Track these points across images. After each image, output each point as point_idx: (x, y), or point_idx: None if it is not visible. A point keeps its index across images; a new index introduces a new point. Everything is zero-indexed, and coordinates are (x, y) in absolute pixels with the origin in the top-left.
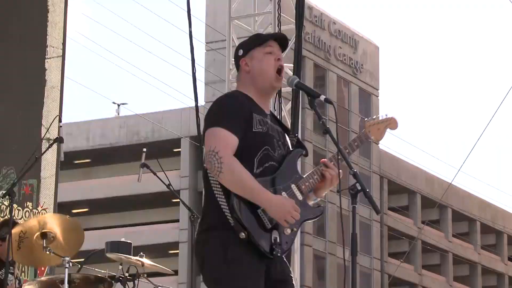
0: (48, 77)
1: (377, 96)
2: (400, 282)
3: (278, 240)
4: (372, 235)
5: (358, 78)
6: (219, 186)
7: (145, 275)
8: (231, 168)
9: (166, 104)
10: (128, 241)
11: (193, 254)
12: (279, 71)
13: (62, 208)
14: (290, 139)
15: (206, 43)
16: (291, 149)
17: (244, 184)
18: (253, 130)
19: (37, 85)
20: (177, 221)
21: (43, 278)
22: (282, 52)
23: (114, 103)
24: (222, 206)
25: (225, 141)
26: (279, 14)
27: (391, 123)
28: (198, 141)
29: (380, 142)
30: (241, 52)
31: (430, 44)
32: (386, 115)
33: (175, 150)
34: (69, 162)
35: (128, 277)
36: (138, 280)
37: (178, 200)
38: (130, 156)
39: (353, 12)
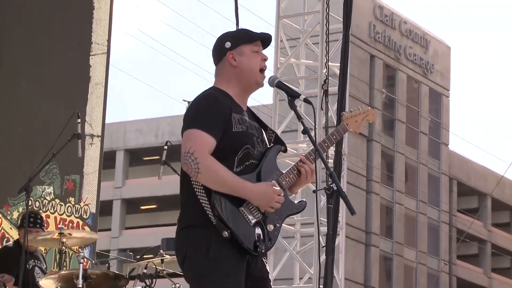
0: (92, 74)
1: (448, 97)
2: (469, 285)
3: (261, 236)
4: (440, 237)
5: (428, 79)
6: (199, 184)
7: (164, 272)
8: (208, 167)
9: None
10: None
11: (175, 250)
12: (262, 70)
13: (130, 204)
14: (268, 135)
15: None
16: (268, 145)
17: (224, 180)
18: (233, 130)
19: (82, 81)
20: None
21: (63, 272)
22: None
23: (184, 100)
24: (203, 204)
25: (201, 141)
26: (328, 14)
27: (369, 115)
28: None
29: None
30: (228, 44)
31: (502, 45)
32: (364, 107)
33: None
34: (138, 159)
35: (147, 275)
36: (156, 278)
37: None
38: None
39: (424, 11)
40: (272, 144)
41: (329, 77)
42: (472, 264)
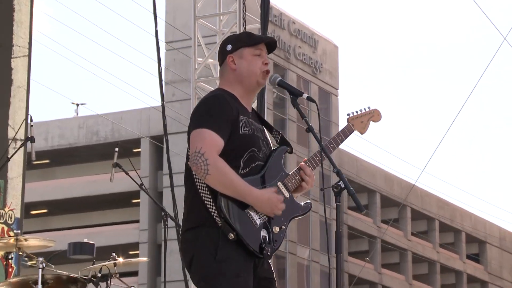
0: (14, 77)
1: (337, 96)
2: (360, 281)
3: (267, 239)
4: (331, 234)
5: (317, 78)
6: (204, 186)
7: (117, 275)
8: (218, 170)
9: (125, 104)
10: (91, 242)
11: (180, 252)
12: (266, 72)
13: None
14: (273, 136)
15: (166, 42)
16: (273, 146)
17: (231, 184)
18: (240, 132)
19: (4, 84)
20: (137, 221)
21: (14, 279)
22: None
23: (73, 103)
24: (208, 206)
25: (210, 142)
26: (244, 14)
27: (374, 115)
28: (158, 140)
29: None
30: (229, 47)
31: (389, 43)
32: (369, 108)
33: (134, 150)
34: (27, 163)
35: (101, 278)
36: (111, 280)
37: (139, 200)
38: (89, 156)
39: (312, 12)
40: (277, 146)
41: None
42: (363, 260)
